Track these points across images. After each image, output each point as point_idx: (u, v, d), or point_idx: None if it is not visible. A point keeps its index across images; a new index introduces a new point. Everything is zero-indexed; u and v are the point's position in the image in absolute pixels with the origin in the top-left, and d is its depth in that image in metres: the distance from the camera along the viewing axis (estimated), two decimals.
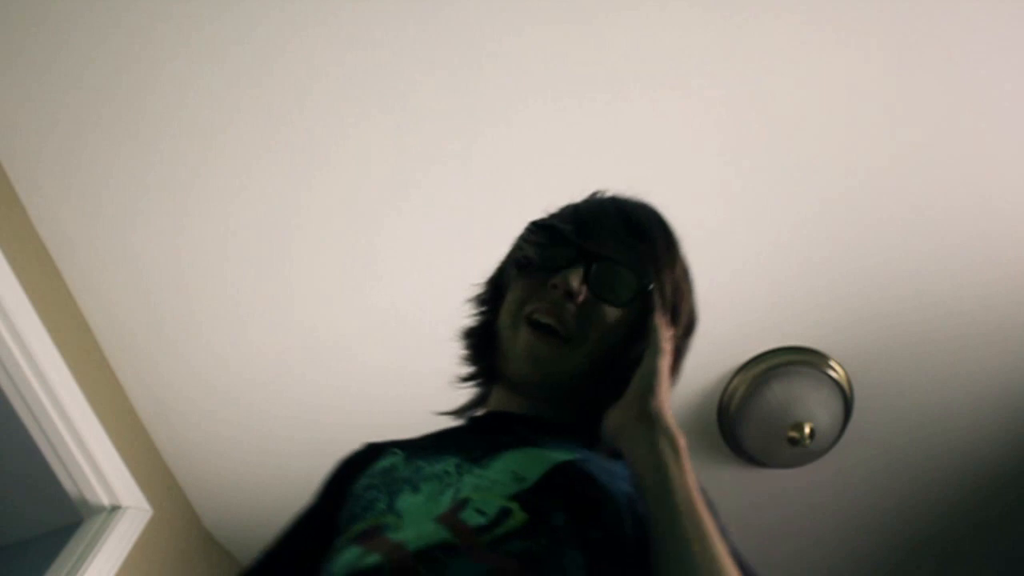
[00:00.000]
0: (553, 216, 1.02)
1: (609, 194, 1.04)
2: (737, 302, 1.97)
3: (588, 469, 0.84)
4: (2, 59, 1.60)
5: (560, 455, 0.86)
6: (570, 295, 0.91)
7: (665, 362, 0.90)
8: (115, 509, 1.81)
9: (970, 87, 1.72)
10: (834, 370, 2.06)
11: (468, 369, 1.05)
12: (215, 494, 2.13)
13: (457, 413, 1.05)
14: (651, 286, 0.95)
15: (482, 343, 1.03)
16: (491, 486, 0.82)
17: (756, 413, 2.08)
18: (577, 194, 1.07)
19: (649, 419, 0.85)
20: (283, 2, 1.58)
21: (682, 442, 0.85)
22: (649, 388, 0.87)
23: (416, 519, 0.81)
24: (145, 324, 1.90)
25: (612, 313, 0.93)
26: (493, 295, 1.04)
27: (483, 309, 1.05)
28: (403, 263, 1.87)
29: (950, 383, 2.10)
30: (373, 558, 0.77)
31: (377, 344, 1.95)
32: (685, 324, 1.05)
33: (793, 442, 2.07)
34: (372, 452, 0.98)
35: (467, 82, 1.67)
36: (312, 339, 1.94)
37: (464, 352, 1.05)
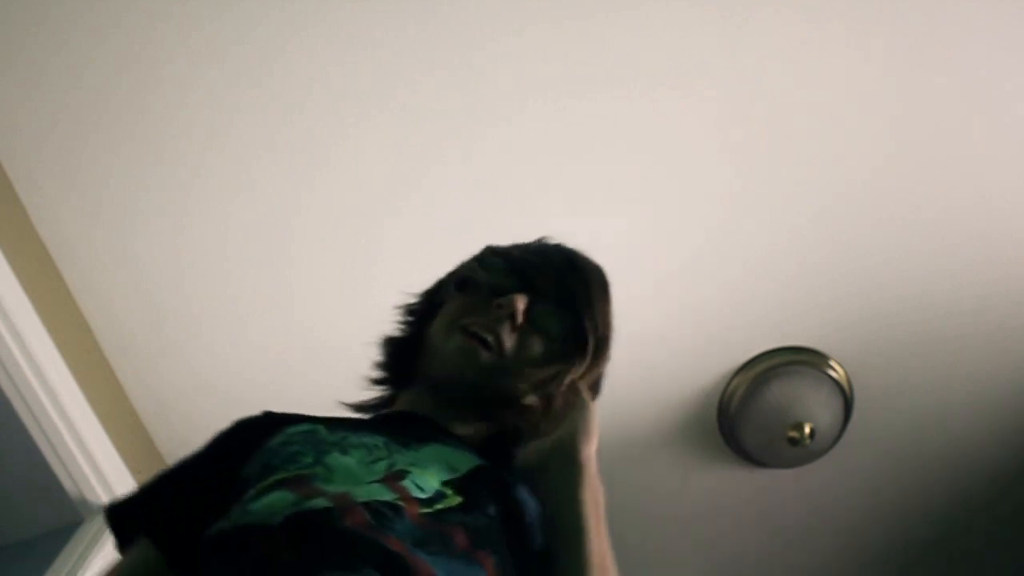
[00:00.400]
0: (509, 248, 1.06)
1: (566, 246, 1.09)
2: (737, 302, 1.97)
3: (506, 477, 0.87)
4: (2, 59, 1.60)
5: (477, 459, 0.89)
6: (512, 316, 0.95)
7: (595, 414, 0.95)
8: None
9: (970, 87, 1.72)
10: (834, 370, 2.06)
11: (382, 373, 1.07)
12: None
13: (362, 407, 1.07)
14: (586, 334, 0.99)
15: (404, 352, 1.06)
16: (426, 465, 0.84)
17: (756, 413, 2.08)
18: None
19: (579, 466, 0.89)
20: (283, 2, 1.58)
21: (603, 498, 0.90)
22: (584, 434, 0.91)
23: (350, 476, 0.80)
24: (145, 324, 1.90)
25: (541, 347, 0.97)
26: (426, 308, 1.07)
27: (412, 319, 1.09)
28: (403, 263, 1.87)
29: (950, 383, 2.10)
30: (319, 502, 0.75)
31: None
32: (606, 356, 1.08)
33: (793, 442, 2.07)
34: (273, 420, 0.96)
35: (467, 82, 1.67)
36: (312, 339, 1.94)
37: (382, 357, 1.08)
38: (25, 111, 1.65)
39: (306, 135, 1.72)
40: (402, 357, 1.06)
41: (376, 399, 1.08)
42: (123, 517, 0.94)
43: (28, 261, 1.71)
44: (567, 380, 0.98)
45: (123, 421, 1.93)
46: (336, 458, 0.83)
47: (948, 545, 2.38)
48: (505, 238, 1.91)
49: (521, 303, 0.96)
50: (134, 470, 1.88)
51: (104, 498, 1.79)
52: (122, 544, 0.92)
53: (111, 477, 1.80)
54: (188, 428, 2.04)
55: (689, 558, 2.37)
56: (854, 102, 1.74)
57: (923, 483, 2.26)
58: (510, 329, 0.96)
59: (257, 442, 0.90)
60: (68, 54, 1.60)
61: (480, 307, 0.98)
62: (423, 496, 0.79)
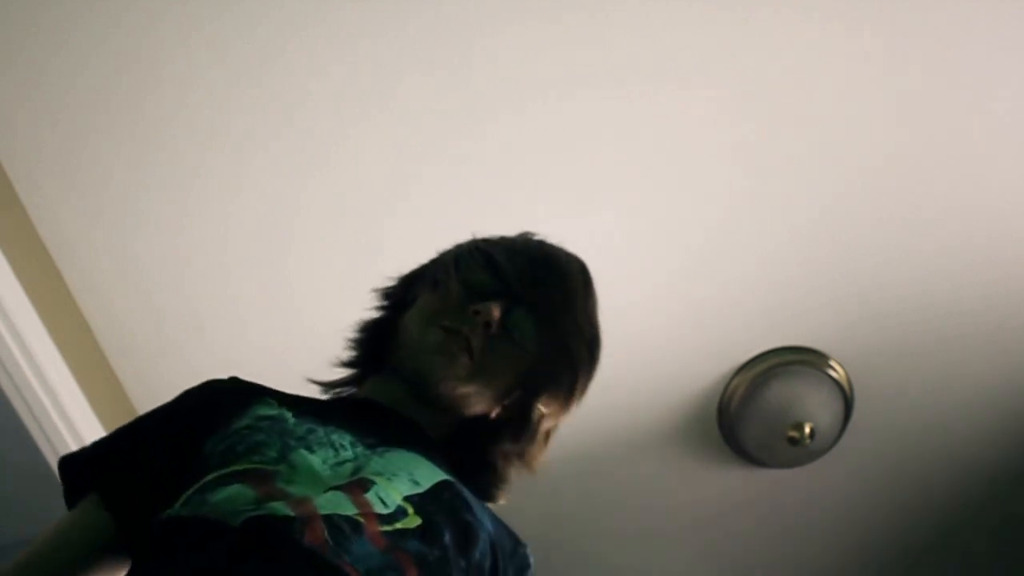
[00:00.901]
0: (493, 243, 1.05)
1: (548, 242, 1.08)
2: (737, 302, 1.97)
3: (466, 495, 0.87)
4: (2, 59, 1.60)
5: (441, 472, 0.88)
6: (488, 325, 0.95)
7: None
8: None
9: (971, 86, 1.72)
10: (834, 370, 2.06)
11: (353, 355, 1.07)
12: None
13: (329, 387, 1.07)
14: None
15: (376, 336, 1.06)
16: (391, 477, 0.82)
17: (756, 413, 2.08)
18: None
19: None
20: (283, 2, 1.58)
21: None
22: None
23: (313, 478, 0.79)
24: (145, 324, 1.90)
25: (511, 357, 0.97)
26: (403, 295, 1.07)
27: (387, 304, 1.09)
28: (404, 262, 1.87)
29: (950, 383, 2.10)
30: (280, 507, 0.73)
31: None
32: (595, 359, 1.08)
33: (793, 442, 2.07)
34: (241, 389, 0.95)
35: (466, 81, 1.67)
36: (313, 338, 1.93)
37: (355, 338, 1.08)
38: (25, 111, 1.65)
39: (306, 135, 1.72)
40: (374, 341, 1.06)
41: (344, 379, 1.07)
42: (76, 468, 0.92)
43: (28, 261, 1.71)
44: (536, 403, 0.99)
45: (123, 421, 1.93)
46: (301, 456, 0.81)
47: (948, 545, 2.38)
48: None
49: (496, 312, 0.95)
50: None
51: None
52: (72, 497, 0.90)
53: None
54: None
55: (689, 558, 2.37)
56: (854, 102, 1.74)
57: (923, 483, 2.26)
58: (483, 335, 0.95)
59: (223, 411, 0.89)
60: (68, 54, 1.60)
61: (456, 307, 0.97)
62: (384, 512, 0.77)
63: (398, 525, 0.77)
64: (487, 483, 1.02)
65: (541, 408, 1.00)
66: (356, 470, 0.82)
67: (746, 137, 1.77)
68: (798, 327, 2.02)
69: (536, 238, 1.09)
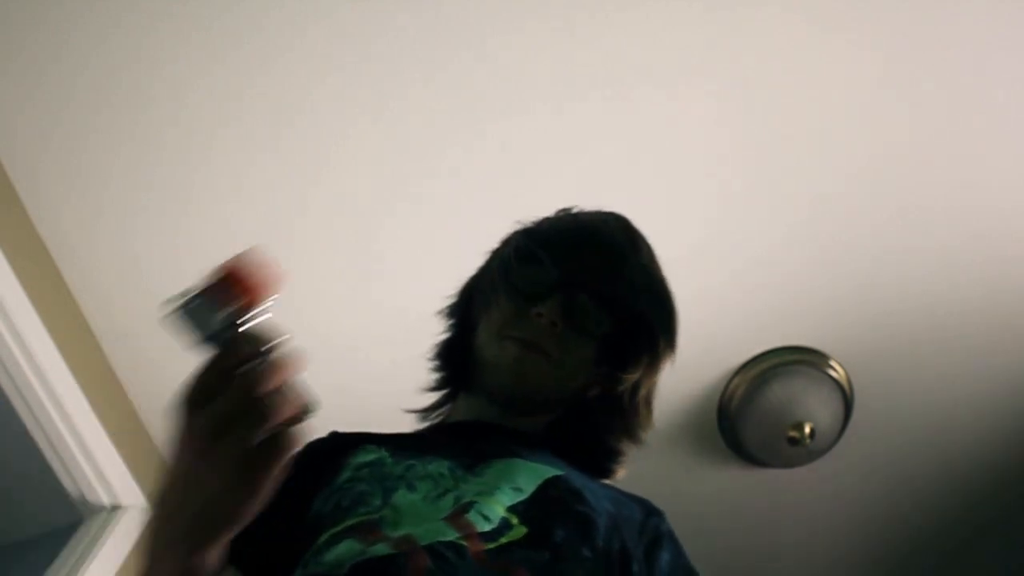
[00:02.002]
0: (534, 235, 1.05)
1: (585, 212, 1.08)
2: (737, 302, 1.97)
3: (576, 485, 0.86)
4: (2, 59, 1.60)
5: (547, 468, 0.88)
6: (554, 324, 0.95)
7: None
8: (115, 509, 1.81)
9: (968, 85, 1.72)
10: (834, 370, 2.06)
11: (439, 377, 1.08)
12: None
13: (426, 413, 1.08)
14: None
15: (455, 354, 1.06)
16: (491, 492, 0.83)
17: (756, 413, 2.08)
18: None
19: None
20: (283, 2, 1.58)
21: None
22: None
23: (417, 517, 0.80)
24: (145, 324, 1.90)
25: (586, 347, 0.98)
26: (467, 308, 1.07)
27: (455, 321, 1.09)
28: (404, 262, 1.88)
29: (950, 383, 2.10)
30: (381, 548, 0.75)
31: (379, 344, 1.95)
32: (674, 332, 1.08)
33: (793, 442, 2.07)
34: (341, 442, 0.96)
35: (466, 82, 1.67)
36: (313, 338, 1.93)
37: (435, 362, 1.09)
38: (25, 111, 1.65)
39: (306, 135, 1.72)
40: (453, 362, 1.07)
41: (437, 402, 1.08)
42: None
43: (28, 261, 1.71)
44: (624, 375, 0.99)
45: (123, 421, 1.93)
46: (403, 496, 0.83)
47: (948, 544, 2.38)
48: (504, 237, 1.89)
49: (557, 310, 0.95)
50: (134, 470, 1.88)
51: (104, 498, 1.79)
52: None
53: (111, 477, 1.80)
54: None
55: (689, 557, 2.37)
56: (853, 101, 1.74)
57: (923, 482, 2.27)
58: (552, 336, 0.95)
59: (326, 469, 0.91)
60: (68, 54, 1.60)
61: (520, 315, 0.97)
62: (488, 528, 0.78)
63: (503, 540, 0.77)
64: (600, 461, 1.03)
65: (630, 379, 1.01)
66: (458, 498, 0.83)
67: (745, 136, 1.77)
68: (798, 327, 2.02)
69: (572, 212, 1.08)
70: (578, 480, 0.88)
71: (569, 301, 0.96)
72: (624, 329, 0.99)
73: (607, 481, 1.02)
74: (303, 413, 0.65)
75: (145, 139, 1.70)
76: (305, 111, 1.69)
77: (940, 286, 1.96)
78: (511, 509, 0.81)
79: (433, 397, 1.09)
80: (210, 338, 0.65)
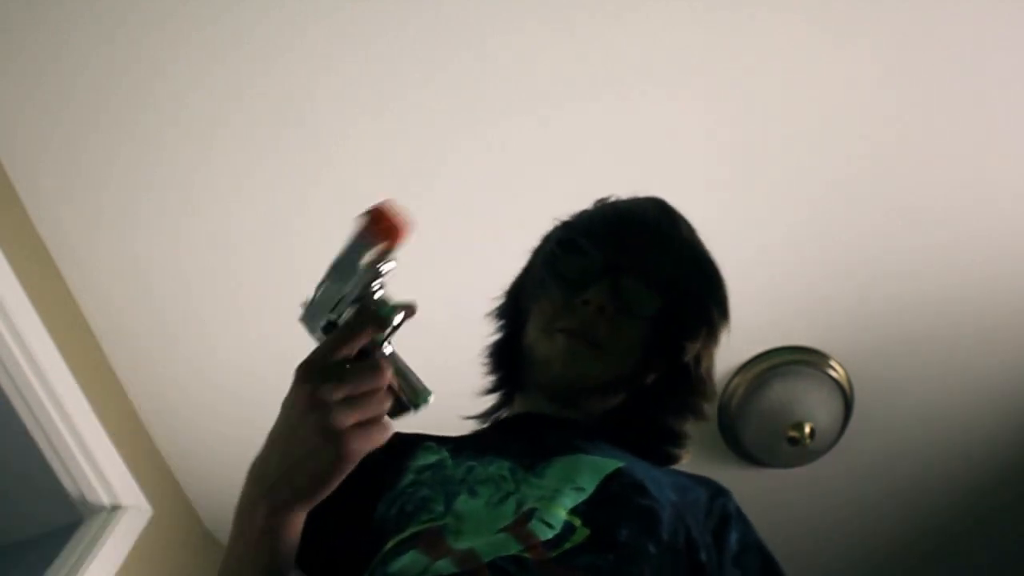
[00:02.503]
0: (574, 225, 1.05)
1: (622, 199, 1.07)
2: (737, 302, 1.96)
3: (638, 477, 0.86)
4: (2, 59, 1.60)
5: (608, 462, 0.87)
6: (601, 310, 0.94)
7: None
8: (115, 509, 1.81)
9: (968, 85, 1.72)
10: (834, 370, 2.06)
11: (493, 379, 1.07)
12: (215, 494, 2.13)
13: (484, 417, 1.07)
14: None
15: (507, 354, 1.06)
16: (553, 496, 0.82)
17: (756, 413, 2.08)
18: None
19: None
20: (283, 2, 1.58)
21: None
22: None
23: (479, 525, 0.80)
24: (145, 324, 1.90)
25: (637, 329, 0.97)
26: (515, 307, 1.07)
27: (504, 322, 1.08)
28: (404, 262, 1.87)
29: (950, 382, 2.10)
30: (445, 565, 0.75)
31: None
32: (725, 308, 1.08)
33: (793, 442, 2.07)
34: (403, 443, 0.96)
35: (467, 82, 1.67)
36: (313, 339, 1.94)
37: (489, 364, 1.08)
38: (25, 111, 1.65)
39: (306, 135, 1.72)
40: (506, 362, 1.06)
41: (495, 405, 1.08)
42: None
43: (28, 261, 1.71)
44: (680, 355, 0.99)
45: (123, 421, 1.93)
46: (464, 502, 0.83)
47: (948, 544, 2.38)
48: (505, 238, 1.90)
49: (604, 294, 0.95)
50: (134, 470, 1.88)
51: (104, 498, 1.79)
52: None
53: (111, 477, 1.80)
54: (188, 428, 2.04)
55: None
56: (852, 100, 1.74)
57: (923, 482, 2.26)
58: (602, 321, 0.95)
59: (388, 471, 0.91)
60: (68, 54, 1.60)
61: (568, 305, 0.96)
62: (551, 535, 0.78)
63: (567, 545, 0.77)
64: (665, 447, 1.03)
65: (692, 348, 1.00)
66: (519, 502, 0.82)
67: (744, 136, 1.77)
68: (798, 327, 2.02)
69: (610, 201, 1.08)
70: (640, 471, 0.87)
71: (615, 284, 0.96)
72: (675, 306, 0.98)
73: (672, 467, 1.01)
74: (411, 405, 0.72)
75: (145, 139, 1.70)
76: (305, 111, 1.69)
77: (940, 286, 1.96)
78: (573, 511, 0.80)
79: (490, 400, 1.08)
80: (352, 300, 0.74)
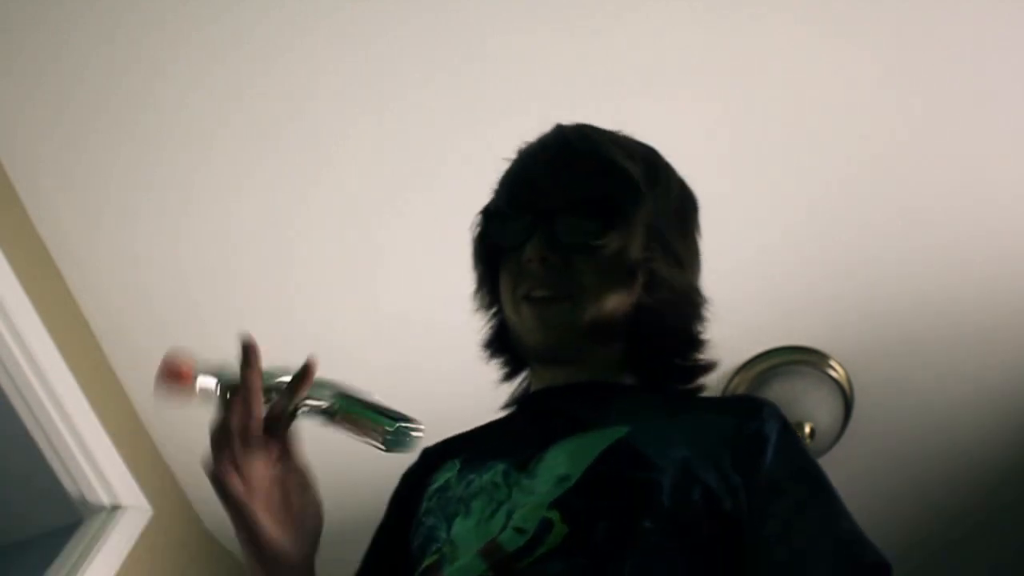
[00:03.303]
0: (496, 193, 1.02)
1: (531, 142, 1.04)
2: (737, 302, 1.96)
3: (638, 446, 0.80)
4: (2, 59, 1.60)
5: (606, 436, 0.82)
6: (544, 261, 0.89)
7: None
8: (115, 509, 1.81)
9: (967, 83, 1.72)
10: (834, 370, 2.06)
11: (501, 365, 1.04)
12: (215, 494, 2.13)
13: (509, 405, 1.04)
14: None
15: (502, 338, 1.02)
16: (533, 492, 0.80)
17: None
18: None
19: None
20: (283, 2, 1.58)
21: None
22: None
23: (468, 548, 0.79)
24: (145, 324, 1.90)
25: (591, 261, 0.90)
26: (491, 294, 1.04)
27: (485, 306, 1.05)
28: (405, 264, 1.87)
29: (950, 382, 2.10)
30: None
31: (379, 345, 1.95)
32: (685, 207, 1.03)
33: None
34: (429, 462, 0.96)
35: (468, 83, 1.67)
36: (313, 338, 1.94)
37: (489, 354, 1.05)
38: (25, 111, 1.65)
39: (306, 135, 1.72)
40: (502, 346, 1.02)
41: (518, 389, 1.04)
42: None
43: (28, 261, 1.71)
44: (660, 266, 0.92)
45: (123, 421, 1.93)
46: (460, 524, 0.82)
47: (948, 544, 2.38)
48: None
49: (541, 248, 0.89)
50: (134, 470, 1.88)
51: (104, 498, 1.79)
52: None
53: (111, 477, 1.80)
54: (188, 428, 2.04)
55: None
56: (851, 100, 1.73)
57: (923, 482, 2.26)
58: (552, 271, 0.89)
59: (414, 501, 0.91)
60: (68, 54, 1.60)
61: (516, 272, 0.93)
62: (521, 543, 0.75)
63: (540, 550, 0.74)
64: (685, 363, 0.96)
65: (664, 268, 0.93)
66: (510, 512, 0.80)
67: (742, 136, 1.77)
68: (798, 327, 2.02)
69: (520, 148, 1.04)
70: (649, 431, 0.82)
71: (547, 231, 0.90)
72: (626, 222, 0.91)
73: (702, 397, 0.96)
74: (385, 447, 0.81)
75: (145, 139, 1.70)
76: (305, 111, 1.69)
77: (940, 286, 1.95)
78: (554, 505, 0.77)
79: (510, 387, 1.05)
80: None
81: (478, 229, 1.02)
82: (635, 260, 0.91)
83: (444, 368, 1.91)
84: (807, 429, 2.05)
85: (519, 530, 0.76)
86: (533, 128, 1.71)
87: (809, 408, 2.06)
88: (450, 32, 1.62)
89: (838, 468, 2.19)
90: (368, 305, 1.91)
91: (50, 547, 1.73)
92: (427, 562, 0.82)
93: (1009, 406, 2.15)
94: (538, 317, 0.90)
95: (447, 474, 0.90)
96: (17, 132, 1.67)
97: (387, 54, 1.63)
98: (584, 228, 0.90)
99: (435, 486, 0.90)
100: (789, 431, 0.85)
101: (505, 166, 1.04)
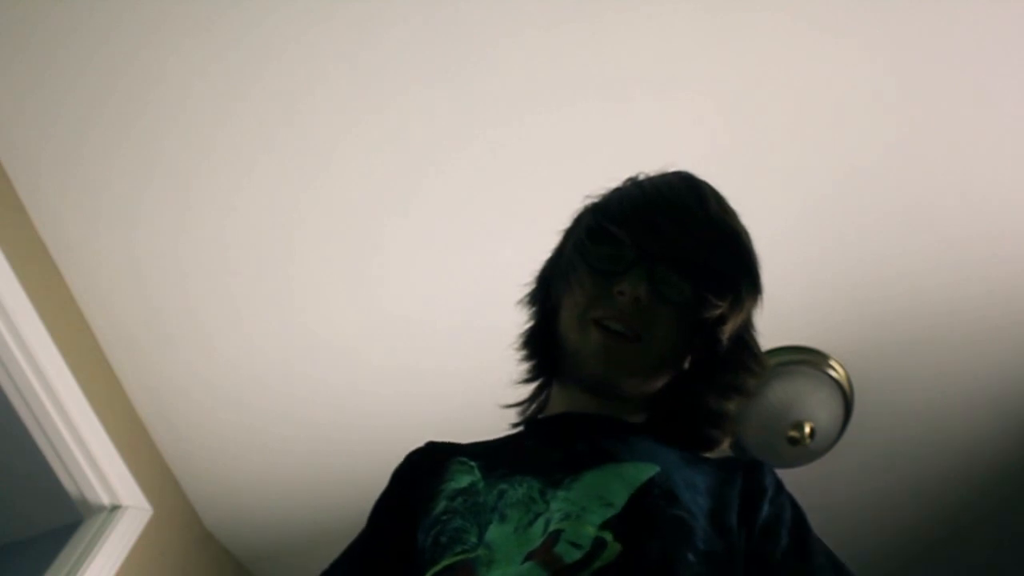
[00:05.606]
0: (603, 210, 1.02)
1: (649, 178, 1.06)
2: None
3: (670, 487, 0.85)
4: (2, 59, 1.60)
5: (641, 471, 0.86)
6: (637, 300, 0.92)
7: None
8: (115, 509, 1.81)
9: (971, 83, 1.72)
10: (834, 370, 2.06)
11: (528, 368, 1.06)
12: (215, 494, 2.13)
13: (522, 406, 1.06)
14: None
15: (541, 342, 1.04)
16: (581, 513, 0.82)
17: (756, 413, 2.08)
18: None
19: None
20: (283, 2, 1.58)
21: None
22: None
23: (509, 553, 0.80)
24: (145, 324, 1.90)
25: (671, 317, 0.95)
26: (546, 293, 1.05)
27: (536, 308, 1.06)
28: (404, 263, 1.87)
29: (950, 382, 2.10)
30: None
31: (378, 344, 1.95)
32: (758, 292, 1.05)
33: (793, 442, 2.07)
34: (438, 455, 0.96)
35: (468, 84, 1.67)
36: (313, 338, 1.94)
37: (523, 352, 1.06)
38: (25, 111, 1.65)
39: (306, 135, 1.72)
40: (540, 350, 1.04)
41: (533, 394, 1.06)
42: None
43: (29, 261, 1.71)
44: (724, 331, 0.96)
45: (123, 421, 1.93)
46: (495, 530, 0.84)
47: (948, 544, 2.38)
48: (506, 239, 1.91)
49: (641, 287, 0.92)
50: (134, 470, 1.89)
51: (104, 498, 1.79)
52: None
53: (111, 477, 1.80)
54: (188, 428, 2.04)
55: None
56: (851, 99, 1.73)
57: (923, 482, 2.27)
58: (637, 312, 0.93)
59: (423, 496, 0.92)
60: (68, 54, 1.60)
61: (602, 294, 0.94)
62: (578, 556, 0.77)
63: (596, 564, 0.77)
64: (707, 429, 1.01)
65: (724, 336, 0.97)
66: (547, 522, 0.82)
67: (742, 136, 1.77)
68: (798, 327, 2.02)
69: (638, 180, 1.07)
70: (676, 476, 0.87)
71: (650, 273, 0.94)
72: (705, 288, 0.95)
73: (712, 455, 1.00)
74: None
75: (145, 140, 1.70)
76: (305, 111, 1.69)
77: (940, 285, 1.96)
78: (604, 526, 0.80)
79: (527, 389, 1.06)
80: None
81: (582, 240, 1.01)
82: (707, 335, 0.97)
83: (444, 368, 1.91)
84: (807, 429, 2.05)
85: (574, 544, 0.79)
86: (533, 128, 1.73)
87: (809, 408, 2.06)
88: (450, 32, 1.62)
89: (838, 468, 2.20)
90: (368, 305, 1.91)
91: (50, 547, 1.73)
92: (449, 561, 0.83)
93: (1008, 406, 2.15)
94: (605, 347, 0.93)
95: (467, 477, 0.91)
96: (17, 132, 1.67)
97: (387, 54, 1.64)
98: (677, 283, 0.95)
99: (456, 486, 0.91)
100: (776, 486, 0.96)
101: (621, 186, 1.06)
